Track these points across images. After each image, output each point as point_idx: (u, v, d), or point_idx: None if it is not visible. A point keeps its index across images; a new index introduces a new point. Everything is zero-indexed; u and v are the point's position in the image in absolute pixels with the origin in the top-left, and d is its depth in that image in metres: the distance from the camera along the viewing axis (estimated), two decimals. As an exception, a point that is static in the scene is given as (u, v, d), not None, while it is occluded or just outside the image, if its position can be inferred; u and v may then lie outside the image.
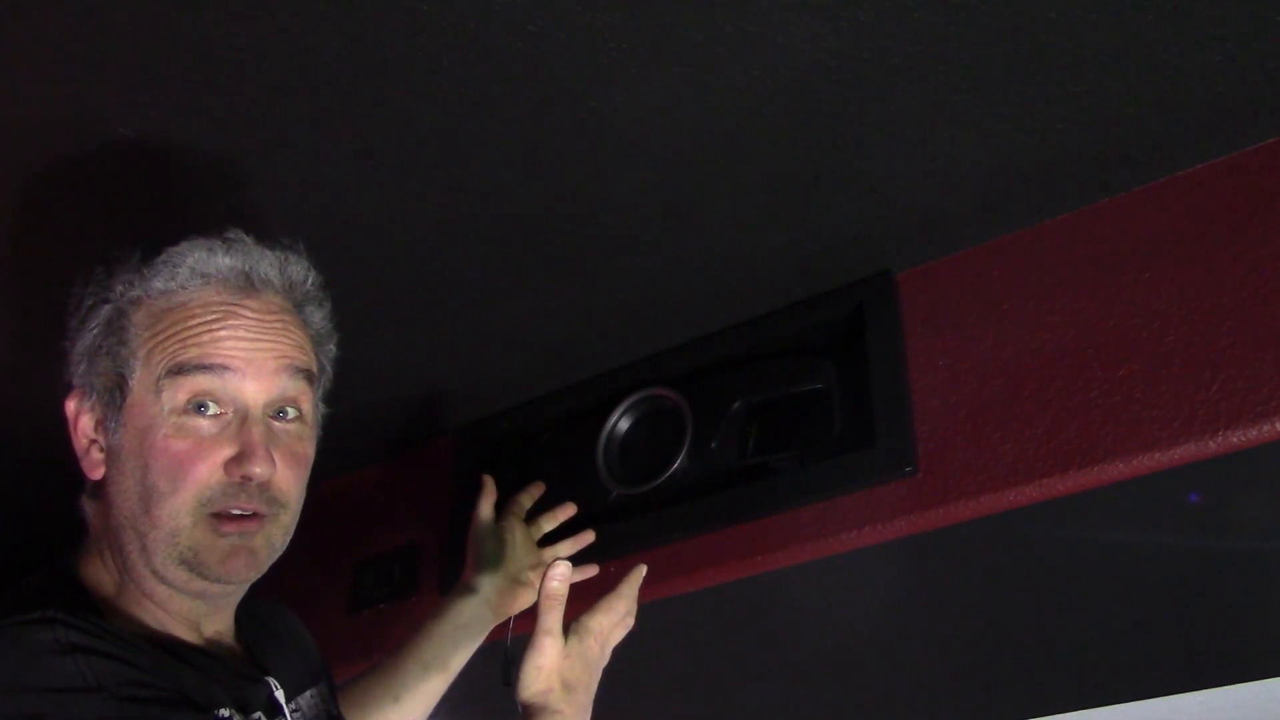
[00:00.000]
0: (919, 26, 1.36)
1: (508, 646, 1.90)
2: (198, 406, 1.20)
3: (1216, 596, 1.49)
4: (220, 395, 1.21)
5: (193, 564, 1.19)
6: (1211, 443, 1.48)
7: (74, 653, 1.06)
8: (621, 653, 1.92)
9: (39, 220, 1.66)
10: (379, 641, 2.07)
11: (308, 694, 1.36)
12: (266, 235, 1.32)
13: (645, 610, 1.86)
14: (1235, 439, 1.46)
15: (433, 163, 1.56)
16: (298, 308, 1.30)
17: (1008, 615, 1.61)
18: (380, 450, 2.23)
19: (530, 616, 1.92)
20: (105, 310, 1.24)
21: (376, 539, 2.20)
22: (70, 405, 1.26)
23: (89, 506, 1.27)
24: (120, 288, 1.24)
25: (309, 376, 1.28)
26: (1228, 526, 1.49)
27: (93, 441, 1.25)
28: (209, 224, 1.31)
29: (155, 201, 1.63)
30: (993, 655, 1.61)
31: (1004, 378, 1.66)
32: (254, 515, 1.21)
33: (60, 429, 1.29)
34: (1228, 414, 1.47)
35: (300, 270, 1.30)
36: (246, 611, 1.36)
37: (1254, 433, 1.46)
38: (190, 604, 1.24)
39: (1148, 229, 1.62)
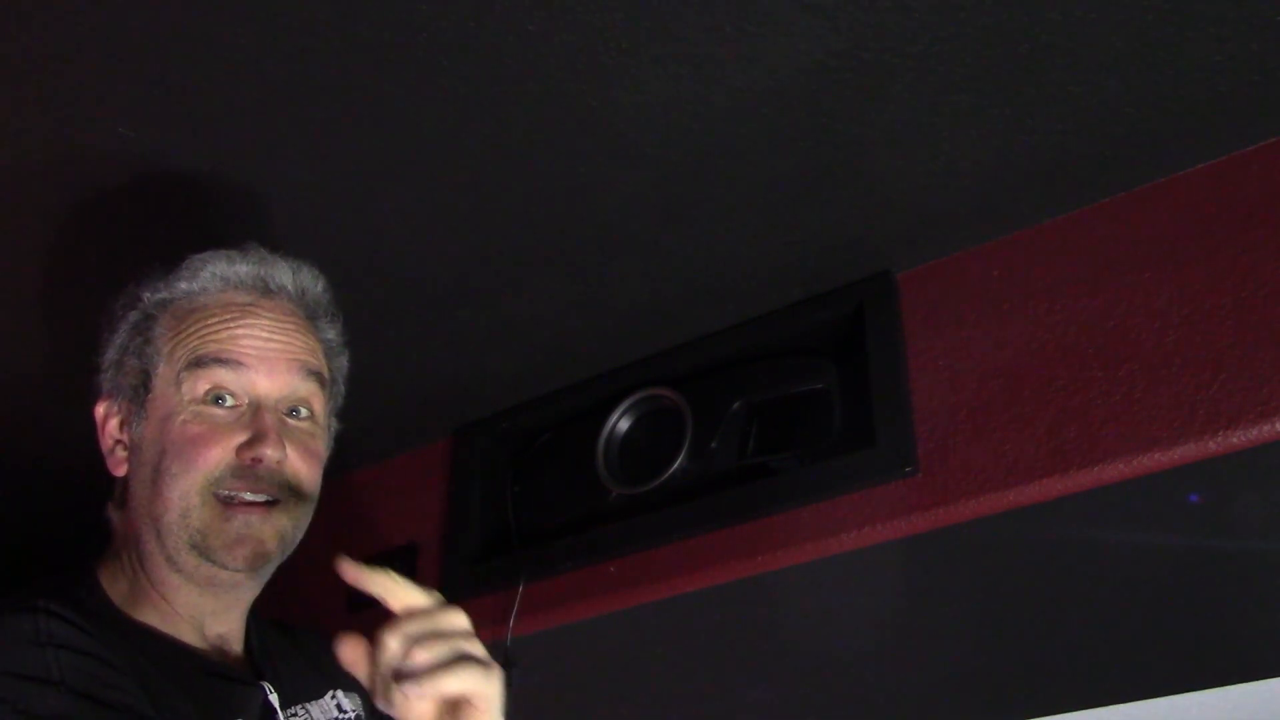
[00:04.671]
0: (919, 26, 1.36)
1: (507, 647, 1.90)
2: (215, 399, 1.26)
3: (1216, 596, 1.48)
4: (235, 389, 1.27)
5: (201, 548, 1.23)
6: (1211, 443, 1.48)
7: (48, 645, 1.11)
8: (622, 653, 1.92)
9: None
10: (379, 641, 2.07)
11: (322, 700, 1.37)
12: (267, 235, 1.35)
13: (646, 610, 1.87)
14: (1235, 439, 1.47)
15: (433, 163, 1.56)
16: (310, 317, 1.37)
17: (1008, 615, 1.61)
18: (380, 450, 2.24)
19: (529, 616, 1.92)
20: (133, 316, 1.33)
21: (376, 539, 2.20)
22: (99, 410, 1.33)
23: (114, 513, 1.33)
24: (147, 295, 1.32)
25: (320, 379, 1.33)
26: (1228, 526, 1.49)
27: (118, 441, 1.32)
28: (216, 228, 1.35)
29: (159, 209, 1.63)
30: (993, 655, 1.61)
31: (1004, 378, 1.66)
32: (265, 503, 1.25)
33: (87, 440, 1.34)
34: (1228, 414, 1.47)
35: (310, 278, 1.37)
36: (263, 627, 1.39)
37: (1254, 433, 1.46)
38: (198, 599, 1.27)
39: (1148, 229, 1.62)
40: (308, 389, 1.31)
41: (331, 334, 1.39)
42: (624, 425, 1.97)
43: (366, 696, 1.45)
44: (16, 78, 1.42)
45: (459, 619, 1.08)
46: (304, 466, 1.28)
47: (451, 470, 2.15)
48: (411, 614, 1.07)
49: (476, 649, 1.06)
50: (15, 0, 1.32)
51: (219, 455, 1.23)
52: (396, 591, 1.09)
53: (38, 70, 1.41)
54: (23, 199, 1.61)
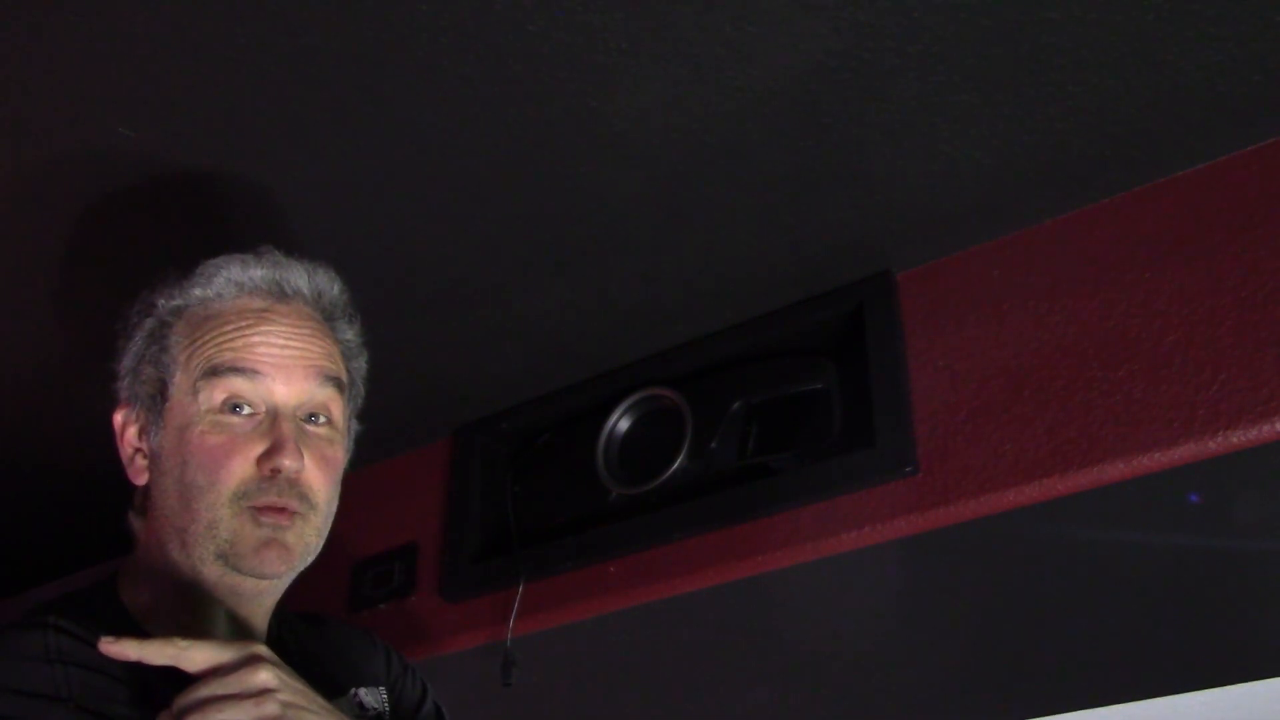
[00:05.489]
0: (919, 26, 1.36)
1: (507, 647, 1.90)
2: (233, 407, 1.25)
3: (1216, 596, 1.48)
4: (252, 397, 1.26)
5: (229, 555, 1.23)
6: (1211, 443, 1.48)
7: (57, 662, 1.11)
8: (622, 653, 1.92)
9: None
10: (379, 641, 2.07)
11: (341, 699, 1.37)
12: (266, 235, 1.36)
13: (646, 610, 1.87)
14: (1235, 439, 1.46)
15: (433, 163, 1.56)
16: (328, 319, 1.36)
17: (1008, 615, 1.61)
18: (379, 450, 2.23)
19: (529, 616, 1.92)
20: (148, 323, 1.32)
21: (376, 539, 2.20)
22: (117, 417, 1.33)
23: (135, 521, 1.32)
24: (162, 301, 1.31)
25: (338, 384, 1.33)
26: (1228, 526, 1.49)
27: (137, 449, 1.31)
28: (217, 228, 1.34)
29: (161, 208, 1.63)
30: (993, 655, 1.61)
31: (1004, 378, 1.66)
32: (287, 511, 1.25)
33: (96, 441, 1.35)
34: (1228, 414, 1.47)
35: (327, 280, 1.36)
36: (289, 627, 1.40)
37: (1254, 433, 1.46)
38: (219, 608, 1.27)
39: (1148, 229, 1.62)
40: (325, 395, 1.30)
41: (350, 334, 1.39)
42: (624, 425, 1.97)
43: (393, 690, 1.46)
44: (22, 78, 1.42)
45: (252, 677, 1.09)
46: (321, 475, 1.28)
47: (451, 470, 2.14)
48: (213, 673, 1.09)
49: (262, 710, 1.07)
50: (18, 1, 1.32)
51: (240, 466, 1.23)
52: (190, 655, 1.10)
53: (42, 70, 1.41)
54: (30, 199, 1.61)
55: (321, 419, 1.31)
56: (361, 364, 1.41)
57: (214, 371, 1.25)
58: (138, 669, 1.16)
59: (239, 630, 1.30)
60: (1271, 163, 1.55)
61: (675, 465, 1.86)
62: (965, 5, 1.33)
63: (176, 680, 1.19)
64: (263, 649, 1.12)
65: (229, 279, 1.30)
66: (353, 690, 1.39)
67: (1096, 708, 1.53)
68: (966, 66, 1.41)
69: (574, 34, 1.36)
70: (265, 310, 1.30)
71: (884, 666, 1.68)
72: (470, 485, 2.10)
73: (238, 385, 1.25)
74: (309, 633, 1.44)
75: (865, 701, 1.69)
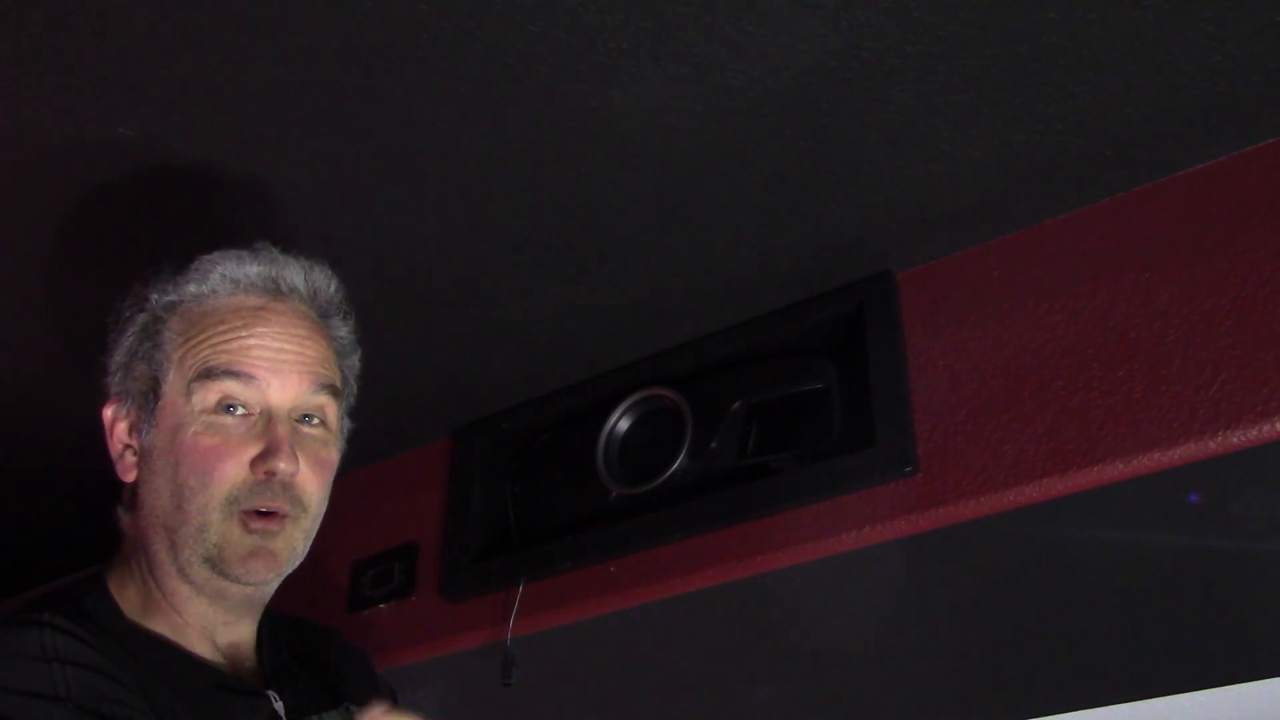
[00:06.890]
0: (919, 26, 1.36)
1: (507, 647, 1.90)
2: (226, 407, 1.25)
3: (1216, 596, 1.48)
4: (247, 399, 1.25)
5: (216, 561, 1.23)
6: (1211, 443, 1.48)
7: (53, 660, 1.10)
8: (622, 653, 1.92)
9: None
10: (378, 641, 2.07)
11: (336, 711, 1.36)
12: (267, 235, 1.36)
13: (646, 610, 1.87)
14: (1235, 439, 1.47)
15: (433, 163, 1.56)
16: (322, 317, 1.35)
17: (1008, 615, 1.61)
18: (379, 450, 2.24)
19: (529, 616, 1.92)
20: (141, 318, 1.30)
21: (375, 538, 2.20)
22: (107, 412, 1.31)
23: (124, 517, 1.32)
24: (155, 296, 1.30)
25: (333, 390, 1.32)
26: (1228, 526, 1.49)
27: (127, 446, 1.30)
28: (217, 227, 1.34)
29: (160, 204, 1.63)
30: (993, 655, 1.61)
31: (1004, 378, 1.66)
32: (278, 516, 1.24)
33: (91, 440, 1.33)
34: (1228, 414, 1.47)
35: (323, 278, 1.35)
36: (279, 630, 1.38)
37: (1254, 433, 1.46)
38: (208, 609, 1.27)
39: (1148, 229, 1.62)
40: (320, 399, 1.30)
41: (344, 331, 1.37)
42: (624, 425, 1.97)
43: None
44: (20, 74, 1.42)
45: None
46: (315, 478, 1.27)
47: (451, 470, 2.14)
48: None
49: None
50: None
51: (233, 469, 1.22)
52: None
53: (40, 66, 1.41)
54: (27, 196, 1.61)
55: (315, 420, 1.30)
56: (354, 361, 1.40)
57: (208, 374, 1.24)
58: (136, 669, 1.15)
59: (228, 629, 1.29)
60: (1271, 163, 1.55)
61: (675, 465, 1.86)
62: (965, 5, 1.33)
63: (177, 681, 1.19)
64: None
65: (224, 275, 1.29)
66: (345, 705, 1.38)
67: (1096, 708, 1.53)
68: (966, 66, 1.41)
69: (574, 34, 1.36)
70: (261, 309, 1.28)
71: (884, 666, 1.68)
72: (470, 485, 2.10)
73: (232, 388, 1.24)
74: (308, 638, 1.44)
75: (865, 701, 1.69)
